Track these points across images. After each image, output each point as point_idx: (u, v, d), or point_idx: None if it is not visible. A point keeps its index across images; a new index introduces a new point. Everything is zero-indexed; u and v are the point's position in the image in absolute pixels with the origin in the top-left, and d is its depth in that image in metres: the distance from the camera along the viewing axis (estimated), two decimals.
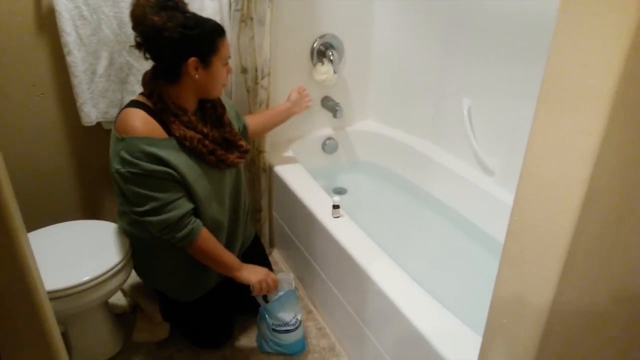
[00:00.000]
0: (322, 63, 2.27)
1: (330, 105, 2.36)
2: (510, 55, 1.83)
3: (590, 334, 0.83)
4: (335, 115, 2.34)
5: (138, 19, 1.38)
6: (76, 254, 1.63)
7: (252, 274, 1.61)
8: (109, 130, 1.95)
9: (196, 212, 1.53)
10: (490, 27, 1.90)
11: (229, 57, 1.50)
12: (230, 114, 1.67)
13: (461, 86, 2.10)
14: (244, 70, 1.93)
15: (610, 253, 0.73)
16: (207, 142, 1.50)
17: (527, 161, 0.71)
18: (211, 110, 1.57)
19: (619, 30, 0.55)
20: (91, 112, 1.83)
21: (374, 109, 2.57)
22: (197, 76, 1.43)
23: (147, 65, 1.83)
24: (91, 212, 2.12)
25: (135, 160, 1.38)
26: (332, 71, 2.24)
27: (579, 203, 0.64)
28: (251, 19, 1.83)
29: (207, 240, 1.53)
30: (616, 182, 0.66)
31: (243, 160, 1.63)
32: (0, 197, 0.65)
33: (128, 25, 1.75)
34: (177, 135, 1.45)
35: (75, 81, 1.76)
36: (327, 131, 2.49)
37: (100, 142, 2.00)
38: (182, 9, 1.41)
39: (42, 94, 1.84)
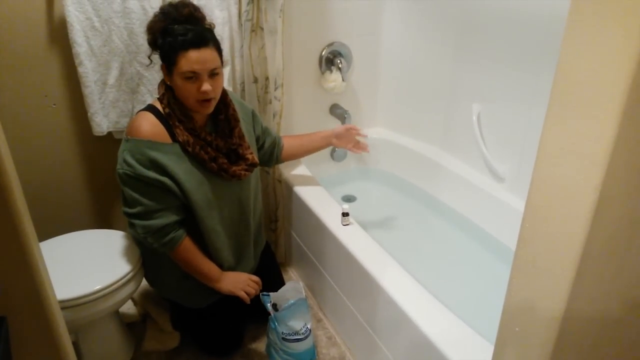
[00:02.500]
0: (331, 71, 2.27)
1: (339, 113, 2.37)
2: (520, 60, 1.83)
3: (604, 342, 0.82)
4: (343, 123, 2.34)
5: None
6: (87, 263, 1.64)
7: (231, 285, 1.63)
8: (120, 140, 1.98)
9: (184, 222, 1.55)
10: (499, 32, 1.89)
11: (195, 72, 1.40)
12: (247, 129, 1.68)
13: (470, 92, 2.09)
14: (255, 80, 1.94)
15: (623, 259, 0.73)
16: (209, 149, 1.52)
17: (538, 167, 0.70)
18: (224, 123, 1.58)
19: (629, 34, 0.55)
20: (102, 122, 1.85)
21: (382, 116, 2.57)
22: (168, 83, 1.47)
23: (158, 75, 1.86)
24: (102, 221, 2.13)
25: (133, 163, 1.42)
26: (341, 79, 2.25)
27: (591, 209, 0.64)
28: (261, 28, 1.84)
29: (187, 250, 1.56)
30: (628, 187, 0.65)
31: (249, 173, 1.61)
32: (12, 206, 0.65)
33: (138, 36, 1.78)
34: (180, 140, 1.47)
35: (86, 91, 1.78)
36: None
37: (111, 152, 2.01)
38: (180, 19, 1.42)
39: (54, 105, 1.86)
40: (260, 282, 1.68)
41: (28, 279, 0.70)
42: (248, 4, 1.81)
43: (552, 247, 0.71)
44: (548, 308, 0.74)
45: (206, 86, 1.43)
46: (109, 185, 2.07)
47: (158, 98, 1.52)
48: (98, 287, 1.52)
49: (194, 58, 1.40)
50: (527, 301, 0.78)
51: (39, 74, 1.79)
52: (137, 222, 1.49)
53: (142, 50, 1.80)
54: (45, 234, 1.74)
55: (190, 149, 1.48)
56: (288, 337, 1.68)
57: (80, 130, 1.93)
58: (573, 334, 0.75)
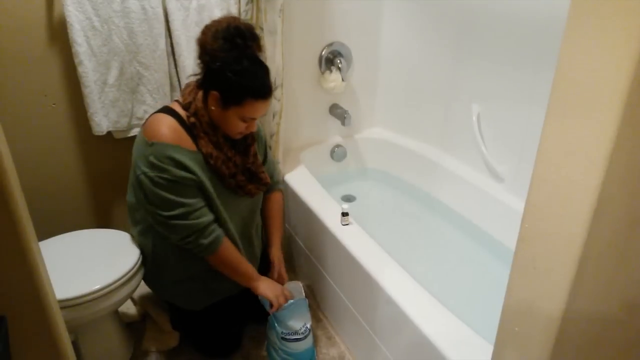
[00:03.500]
0: (331, 71, 2.27)
1: (338, 113, 2.37)
2: (519, 60, 1.83)
3: (603, 342, 0.82)
4: (343, 123, 2.34)
5: (202, 31, 1.41)
6: (87, 263, 1.63)
7: (269, 289, 1.61)
8: (120, 140, 1.98)
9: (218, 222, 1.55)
10: (499, 32, 1.90)
11: (255, 118, 1.47)
12: (260, 149, 1.68)
13: (470, 92, 2.09)
14: None
15: (622, 260, 0.73)
16: (230, 164, 1.52)
17: (537, 167, 0.70)
18: (241, 139, 1.57)
19: (629, 34, 0.55)
20: (102, 121, 1.85)
21: (382, 116, 2.57)
22: (212, 108, 1.45)
23: (157, 74, 1.86)
24: (101, 220, 2.13)
25: (165, 166, 1.40)
26: (341, 79, 2.25)
27: (591, 209, 0.64)
28: (261, 28, 1.84)
29: (228, 248, 1.55)
30: (628, 188, 0.65)
31: (261, 191, 1.65)
32: (12, 206, 0.65)
33: (138, 35, 1.78)
34: (204, 152, 1.46)
35: (86, 91, 1.78)
36: (336, 139, 2.49)
37: (111, 152, 2.01)
38: (246, 52, 1.39)
39: (54, 104, 1.86)
40: (289, 298, 1.65)
41: (27, 279, 0.70)
42: (247, 3, 1.81)
43: (552, 247, 0.71)
44: (547, 308, 0.74)
45: (254, 127, 1.51)
46: (108, 185, 2.07)
47: (181, 104, 1.49)
48: (97, 286, 1.52)
49: (260, 107, 1.44)
50: (526, 301, 0.78)
51: (38, 73, 1.79)
52: (179, 222, 1.45)
53: (141, 50, 1.80)
54: (44, 233, 1.74)
55: (212, 162, 1.47)
56: (287, 337, 1.68)
57: (80, 130, 1.93)
58: (572, 334, 0.75)
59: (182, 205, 1.44)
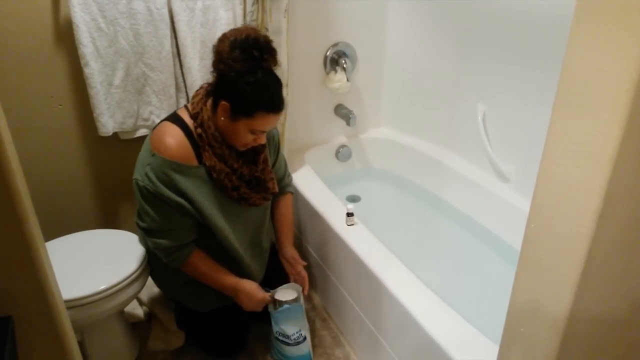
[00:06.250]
0: (336, 71, 2.27)
1: (343, 113, 2.37)
2: (524, 59, 1.82)
3: (610, 342, 0.81)
4: (348, 123, 2.34)
5: (219, 39, 1.39)
6: (93, 263, 1.64)
7: (244, 304, 1.62)
8: (126, 141, 1.99)
9: (194, 241, 1.55)
10: (504, 31, 1.89)
11: (264, 132, 1.44)
12: (271, 152, 1.67)
13: (475, 92, 2.09)
14: None
15: (629, 259, 0.72)
16: (234, 177, 1.51)
17: (543, 167, 0.70)
18: (249, 148, 1.54)
19: (635, 33, 0.55)
20: (108, 122, 1.86)
21: (387, 116, 2.57)
22: (222, 118, 1.42)
23: (163, 75, 1.86)
24: (107, 221, 2.14)
25: (155, 180, 1.40)
26: (346, 79, 2.25)
27: (597, 209, 0.64)
28: (266, 29, 1.85)
29: (196, 266, 1.56)
30: (634, 187, 0.65)
31: (266, 202, 1.63)
32: (18, 206, 0.66)
33: (144, 36, 1.78)
34: (207, 164, 1.46)
35: (92, 92, 1.78)
36: (341, 139, 2.49)
37: (117, 152, 2.02)
38: (262, 65, 1.38)
39: (60, 105, 1.87)
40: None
41: (34, 279, 0.70)
42: (253, 4, 1.82)
43: (558, 247, 0.71)
44: (553, 308, 0.74)
45: (263, 139, 1.47)
46: (114, 186, 2.08)
47: (189, 112, 1.48)
48: (103, 287, 1.53)
49: (270, 121, 1.42)
50: (532, 301, 0.78)
51: (45, 74, 1.80)
52: (146, 237, 1.51)
53: (147, 51, 1.81)
54: (51, 234, 1.75)
55: (214, 175, 1.47)
56: (280, 338, 1.67)
57: (86, 131, 1.94)
58: (579, 334, 0.75)
59: (154, 221, 1.46)
